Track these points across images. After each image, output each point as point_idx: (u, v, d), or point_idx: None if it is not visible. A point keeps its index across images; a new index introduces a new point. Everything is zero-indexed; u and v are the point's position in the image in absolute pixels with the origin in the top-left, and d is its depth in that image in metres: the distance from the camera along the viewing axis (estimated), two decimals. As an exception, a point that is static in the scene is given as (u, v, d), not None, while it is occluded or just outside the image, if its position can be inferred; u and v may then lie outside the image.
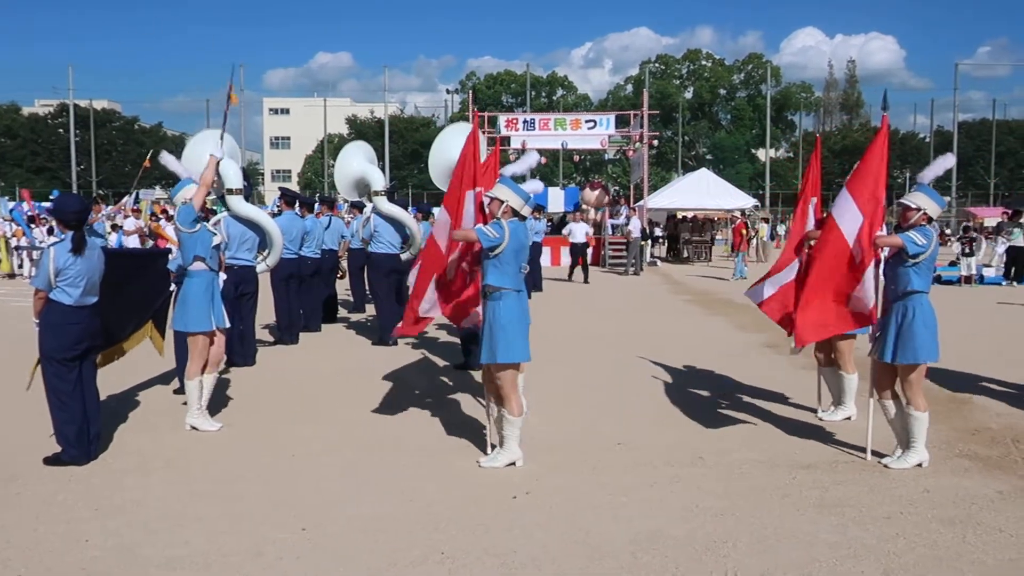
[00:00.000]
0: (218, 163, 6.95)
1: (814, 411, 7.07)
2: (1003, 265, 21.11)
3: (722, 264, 27.39)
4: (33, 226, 22.61)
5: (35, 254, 20.68)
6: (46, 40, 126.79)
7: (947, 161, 5.84)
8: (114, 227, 21.71)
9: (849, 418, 6.79)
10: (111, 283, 6.07)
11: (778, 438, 6.37)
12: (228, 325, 6.91)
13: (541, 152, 30.73)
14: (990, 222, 32.29)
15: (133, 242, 20.39)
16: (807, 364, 9.20)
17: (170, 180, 52.66)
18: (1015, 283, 19.48)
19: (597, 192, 27.70)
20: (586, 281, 20.78)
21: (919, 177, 5.79)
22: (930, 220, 5.60)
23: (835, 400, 6.93)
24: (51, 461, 5.64)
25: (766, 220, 33.40)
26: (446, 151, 9.87)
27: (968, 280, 19.52)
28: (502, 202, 5.59)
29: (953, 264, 20.68)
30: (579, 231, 22.05)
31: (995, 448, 6.06)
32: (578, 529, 4.57)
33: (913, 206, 5.58)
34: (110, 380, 7.52)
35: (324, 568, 4.12)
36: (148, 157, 25.85)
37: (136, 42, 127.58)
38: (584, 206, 27.54)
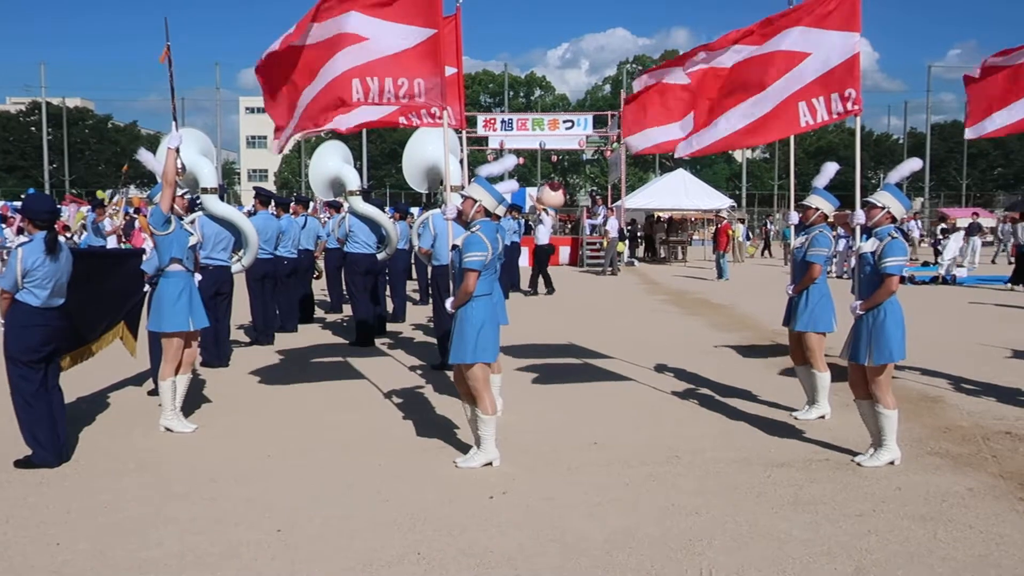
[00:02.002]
0: (177, 151, 6.38)
1: (788, 410, 7.13)
2: (974, 264, 21.38)
3: (699, 264, 27.55)
4: (3, 226, 22.29)
5: (4, 254, 20.39)
6: (18, 37, 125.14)
7: (913, 164, 5.92)
8: (82, 227, 21.44)
9: (823, 417, 6.85)
10: (82, 283, 6.01)
11: (753, 437, 6.42)
12: (208, 325, 6.86)
13: (519, 152, 30.92)
14: (962, 222, 32.68)
15: (111, 243, 20.13)
16: (781, 364, 9.28)
17: (145, 180, 52.06)
18: (1017, 286, 18.14)
19: (557, 193, 27.70)
20: (551, 291, 18.08)
21: (887, 178, 5.88)
22: (894, 220, 5.67)
23: (808, 399, 6.99)
24: (22, 464, 5.57)
25: (742, 221, 33.60)
26: (421, 152, 9.86)
27: (940, 280, 19.73)
28: (475, 201, 5.60)
29: (926, 264, 20.94)
30: (543, 232, 19.59)
31: (966, 446, 6.14)
32: (554, 528, 4.58)
33: (879, 205, 5.66)
34: (82, 381, 7.46)
35: (299, 569, 4.10)
36: (127, 164, 25.75)
37: (110, 40, 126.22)
38: (539, 207, 26.89)
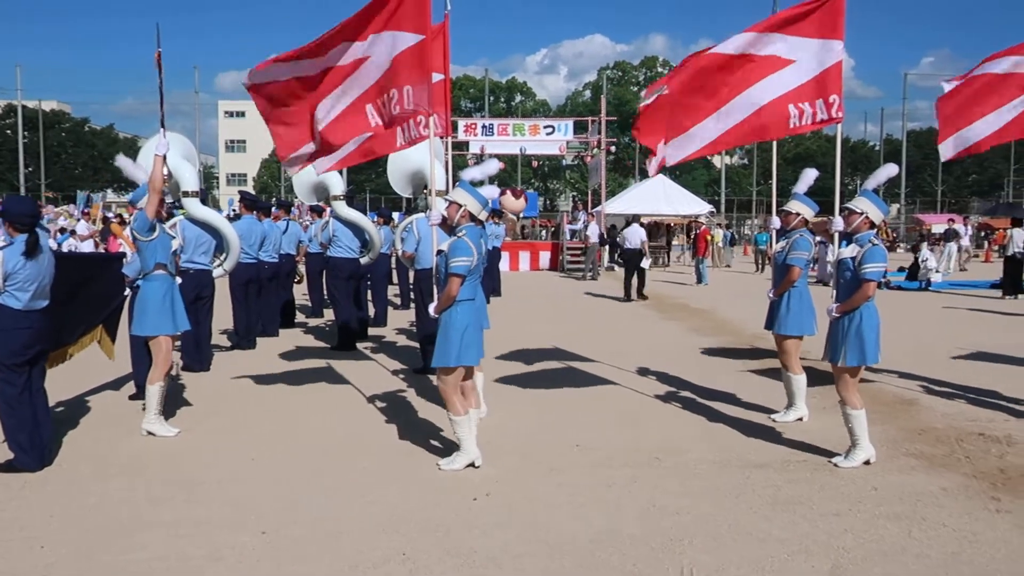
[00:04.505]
0: (164, 159, 6.37)
1: (767, 412, 7.23)
2: (949, 270, 21.57)
3: (678, 269, 27.72)
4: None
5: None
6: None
7: (890, 170, 6.02)
8: (61, 230, 21.31)
9: (801, 419, 6.96)
10: (62, 286, 5.99)
11: (732, 439, 6.50)
12: (189, 328, 6.85)
13: (499, 157, 30.98)
14: (937, 228, 33.12)
15: (87, 247, 20.02)
16: (760, 367, 9.40)
17: (123, 183, 51.27)
18: (1013, 296, 17.74)
19: (519, 200, 27.91)
20: (642, 296, 17.81)
21: (864, 184, 5.99)
22: (872, 225, 5.77)
23: (788, 401, 7.08)
24: (4, 468, 5.55)
25: (720, 226, 33.85)
26: (405, 156, 9.90)
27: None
28: (460, 206, 5.65)
29: (902, 270, 21.21)
30: (635, 236, 18.39)
31: (940, 447, 6.26)
32: (538, 528, 4.63)
33: (857, 210, 5.76)
34: (62, 386, 7.42)
35: (285, 571, 4.12)
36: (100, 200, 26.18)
37: (87, 43, 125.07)
38: (506, 212, 26.98)
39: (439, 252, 5.72)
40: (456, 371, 5.61)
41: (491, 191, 6.33)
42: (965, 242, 29.51)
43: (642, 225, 19.99)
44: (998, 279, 19.33)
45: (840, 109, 6.37)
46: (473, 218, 5.67)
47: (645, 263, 18.18)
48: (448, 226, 5.74)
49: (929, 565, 4.18)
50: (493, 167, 6.16)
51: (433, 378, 8.57)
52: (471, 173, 5.95)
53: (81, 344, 6.94)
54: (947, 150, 7.90)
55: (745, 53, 6.65)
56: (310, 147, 6.59)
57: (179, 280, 6.86)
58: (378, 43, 6.20)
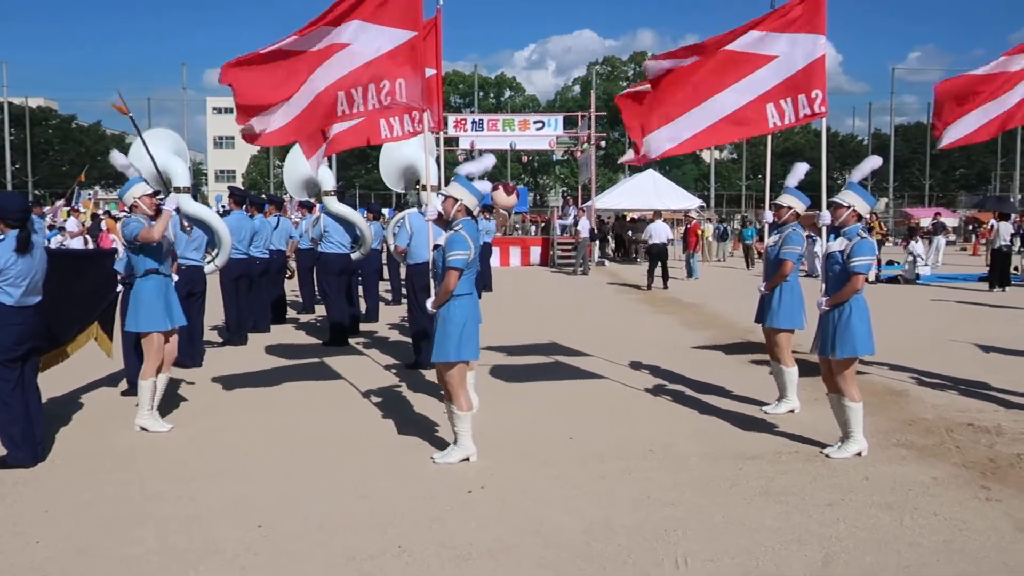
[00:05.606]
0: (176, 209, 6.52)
1: (759, 404, 7.27)
2: (937, 263, 21.68)
3: (669, 264, 27.72)
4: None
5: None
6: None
7: (874, 161, 6.05)
8: (49, 227, 21.20)
9: (792, 411, 7.00)
10: (55, 284, 5.98)
11: (724, 431, 6.55)
12: (185, 323, 6.84)
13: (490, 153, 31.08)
14: (925, 222, 33.31)
15: (77, 244, 19.93)
16: (750, 360, 9.45)
17: (111, 180, 50.85)
18: (1001, 288, 17.82)
19: (511, 196, 27.93)
20: (665, 286, 19.06)
21: (849, 177, 6.03)
22: (860, 218, 5.81)
23: (779, 394, 7.13)
24: (-3, 464, 5.55)
25: (710, 220, 33.96)
26: (398, 151, 9.90)
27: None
28: (456, 200, 5.66)
29: (891, 263, 21.31)
30: (660, 232, 19.73)
31: (930, 437, 6.32)
32: (532, 521, 4.66)
33: (844, 204, 5.80)
34: (54, 382, 7.40)
35: (282, 564, 4.14)
36: (82, 172, 25.68)
37: (74, 40, 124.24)
38: (497, 208, 26.99)
39: (436, 246, 5.72)
40: (458, 366, 5.62)
41: (484, 186, 6.34)
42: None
43: (666, 222, 21.28)
44: (985, 272, 19.47)
45: (824, 104, 6.40)
46: (468, 212, 5.69)
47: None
48: (444, 221, 5.75)
49: (921, 553, 4.23)
50: (489, 162, 6.16)
51: (425, 373, 8.61)
52: (467, 168, 5.96)
53: (78, 343, 6.92)
54: (947, 138, 8.01)
55: (727, 50, 6.66)
56: (271, 124, 6.45)
57: (176, 278, 6.84)
58: (362, 33, 6.18)
